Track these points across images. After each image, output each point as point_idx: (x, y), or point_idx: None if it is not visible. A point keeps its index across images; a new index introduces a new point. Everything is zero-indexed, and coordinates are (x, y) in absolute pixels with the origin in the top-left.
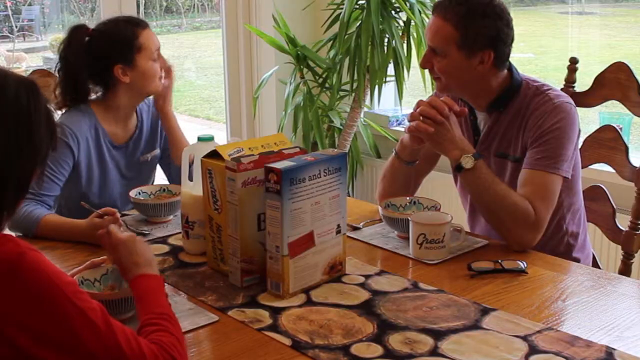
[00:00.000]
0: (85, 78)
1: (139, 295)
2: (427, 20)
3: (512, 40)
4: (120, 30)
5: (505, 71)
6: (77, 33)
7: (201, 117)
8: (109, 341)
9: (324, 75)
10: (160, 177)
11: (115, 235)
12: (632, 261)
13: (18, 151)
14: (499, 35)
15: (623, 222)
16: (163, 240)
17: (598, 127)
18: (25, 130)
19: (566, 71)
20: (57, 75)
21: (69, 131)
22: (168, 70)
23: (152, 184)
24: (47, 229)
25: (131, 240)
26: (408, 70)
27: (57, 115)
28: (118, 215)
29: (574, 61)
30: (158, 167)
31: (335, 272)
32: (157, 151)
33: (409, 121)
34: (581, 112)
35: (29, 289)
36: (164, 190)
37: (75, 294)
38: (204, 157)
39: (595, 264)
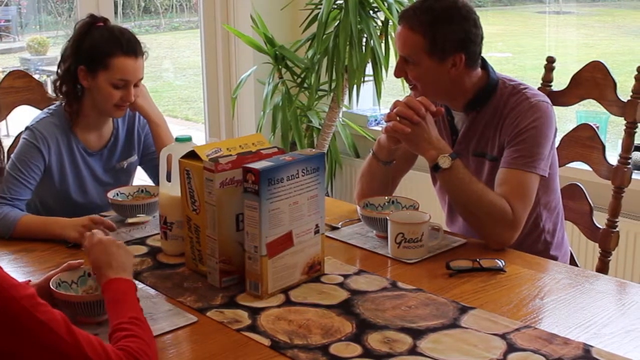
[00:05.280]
0: (69, 68)
1: (109, 299)
2: None
3: (482, 38)
4: (104, 40)
5: (480, 69)
6: (91, 20)
7: (180, 117)
8: (74, 351)
9: (302, 75)
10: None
11: (96, 235)
12: (609, 259)
13: None
14: (467, 37)
15: (600, 220)
16: (141, 241)
17: (575, 125)
18: None
19: (543, 70)
20: None
21: (39, 135)
22: (131, 106)
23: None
24: (25, 229)
25: (109, 243)
26: (386, 70)
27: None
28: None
29: (551, 60)
30: (138, 172)
31: (314, 272)
32: (135, 157)
33: (386, 121)
34: (558, 110)
35: None
36: (142, 191)
37: (35, 306)
38: (182, 157)
39: (572, 262)
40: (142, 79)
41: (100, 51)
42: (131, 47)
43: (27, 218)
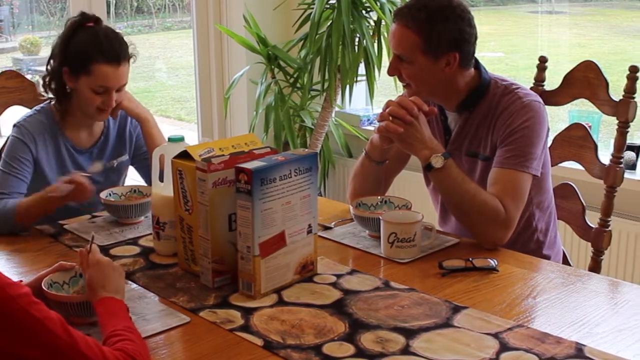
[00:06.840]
0: (55, 67)
1: (102, 312)
2: None
3: (476, 38)
4: (87, 44)
5: (473, 69)
6: (80, 20)
7: (172, 117)
8: (71, 350)
9: (295, 75)
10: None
11: (95, 255)
12: (601, 258)
13: None
14: (462, 36)
15: (593, 219)
16: (134, 241)
17: (567, 125)
18: None
19: (536, 70)
20: None
21: (26, 131)
22: (113, 111)
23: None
24: (26, 211)
25: (106, 264)
26: (379, 70)
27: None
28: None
29: (543, 60)
30: (131, 172)
31: (306, 272)
32: (126, 157)
33: (379, 121)
34: (551, 110)
35: None
36: (135, 191)
37: (30, 304)
38: (175, 157)
39: (565, 261)
40: (125, 84)
41: (82, 56)
42: (114, 53)
43: (22, 201)
